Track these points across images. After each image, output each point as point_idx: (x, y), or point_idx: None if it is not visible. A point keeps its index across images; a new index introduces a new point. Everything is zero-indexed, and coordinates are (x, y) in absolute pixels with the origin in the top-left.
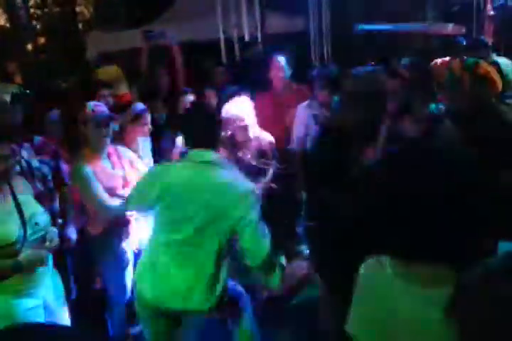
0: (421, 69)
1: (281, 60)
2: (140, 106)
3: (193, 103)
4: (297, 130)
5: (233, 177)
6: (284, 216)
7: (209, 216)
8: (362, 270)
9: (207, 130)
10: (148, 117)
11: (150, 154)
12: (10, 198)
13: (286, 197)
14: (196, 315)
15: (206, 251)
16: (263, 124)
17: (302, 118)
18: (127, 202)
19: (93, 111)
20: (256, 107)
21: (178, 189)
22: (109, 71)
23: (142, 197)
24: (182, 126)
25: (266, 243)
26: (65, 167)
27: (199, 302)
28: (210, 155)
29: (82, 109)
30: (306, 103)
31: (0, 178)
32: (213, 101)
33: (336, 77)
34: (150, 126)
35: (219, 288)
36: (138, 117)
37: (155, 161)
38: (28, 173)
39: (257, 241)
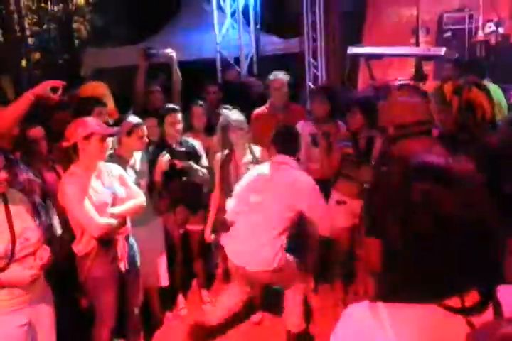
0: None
1: (281, 78)
2: (135, 119)
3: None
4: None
5: None
6: None
7: None
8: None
9: None
10: (144, 130)
11: (147, 168)
12: (2, 211)
13: None
14: None
15: None
16: (260, 142)
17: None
18: None
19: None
20: (253, 124)
21: None
22: (97, 87)
23: None
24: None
25: None
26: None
27: None
28: None
29: (69, 125)
30: (303, 121)
31: None
32: (201, 118)
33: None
34: (146, 139)
35: None
36: (134, 130)
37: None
38: (26, 185)
39: None
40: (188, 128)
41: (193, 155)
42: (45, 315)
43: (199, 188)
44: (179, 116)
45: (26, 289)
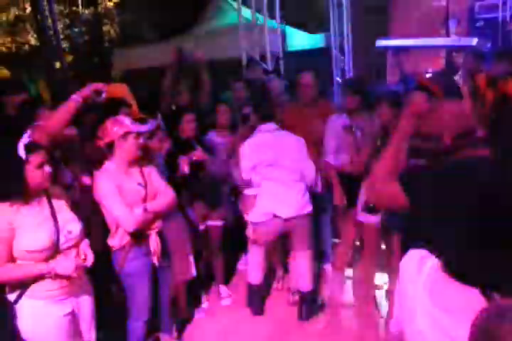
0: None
1: (308, 75)
2: (155, 122)
3: None
4: (328, 142)
5: None
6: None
7: None
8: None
9: None
10: (163, 133)
11: (162, 169)
12: (46, 204)
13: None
14: None
15: None
16: None
17: (333, 130)
18: None
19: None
20: (284, 120)
21: None
22: (119, 89)
23: None
24: None
25: None
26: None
27: None
28: None
29: (103, 125)
30: (336, 115)
31: (37, 186)
32: (226, 116)
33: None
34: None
35: None
36: (155, 133)
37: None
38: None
39: None
40: (213, 125)
41: (209, 150)
42: (86, 306)
43: (218, 184)
44: (192, 116)
45: (69, 280)
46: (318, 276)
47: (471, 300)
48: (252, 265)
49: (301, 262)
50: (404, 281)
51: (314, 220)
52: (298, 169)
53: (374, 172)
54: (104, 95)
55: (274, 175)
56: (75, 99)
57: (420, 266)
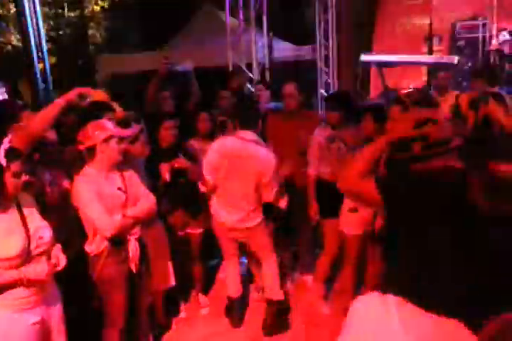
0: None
1: (292, 84)
2: (138, 126)
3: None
4: (311, 153)
5: None
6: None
7: None
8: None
9: None
10: (146, 137)
11: (143, 175)
12: (16, 211)
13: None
14: None
15: None
16: (276, 148)
17: (316, 142)
18: None
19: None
20: (268, 130)
21: None
22: (100, 93)
23: None
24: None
25: None
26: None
27: None
28: None
29: (84, 128)
30: (320, 127)
31: (10, 194)
32: (206, 124)
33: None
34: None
35: None
36: (137, 137)
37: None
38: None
39: None
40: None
41: (191, 158)
42: (55, 315)
43: (198, 192)
44: (174, 122)
45: (38, 288)
46: (296, 286)
47: (448, 331)
48: (229, 278)
49: (266, 271)
50: (362, 325)
51: (295, 229)
52: (251, 186)
53: (349, 167)
54: (88, 99)
55: (228, 182)
56: (59, 103)
57: (383, 306)
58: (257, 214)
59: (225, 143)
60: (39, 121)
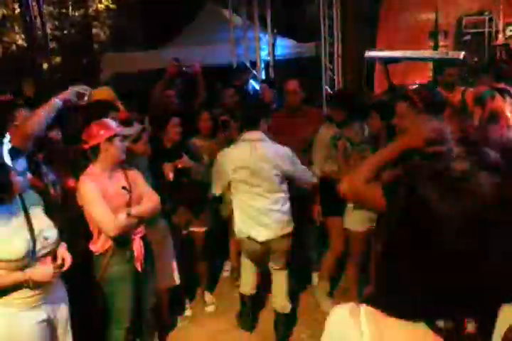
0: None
1: (295, 81)
2: (141, 125)
3: None
4: (317, 152)
5: None
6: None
7: None
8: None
9: None
10: (147, 136)
11: (147, 174)
12: (21, 212)
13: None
14: None
15: None
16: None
17: (322, 140)
18: None
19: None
20: (270, 126)
21: None
22: (105, 92)
23: None
24: None
25: None
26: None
27: None
28: None
29: (88, 128)
30: (325, 125)
31: (13, 192)
32: (208, 122)
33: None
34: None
35: None
36: (140, 136)
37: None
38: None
39: None
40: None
41: (193, 157)
42: (61, 313)
43: (202, 190)
44: (178, 120)
45: (44, 287)
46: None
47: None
48: (243, 276)
49: (276, 280)
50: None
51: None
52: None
53: (356, 171)
54: (86, 98)
55: (247, 190)
56: (55, 101)
57: (353, 318)
58: (287, 219)
59: (232, 152)
60: (34, 121)
